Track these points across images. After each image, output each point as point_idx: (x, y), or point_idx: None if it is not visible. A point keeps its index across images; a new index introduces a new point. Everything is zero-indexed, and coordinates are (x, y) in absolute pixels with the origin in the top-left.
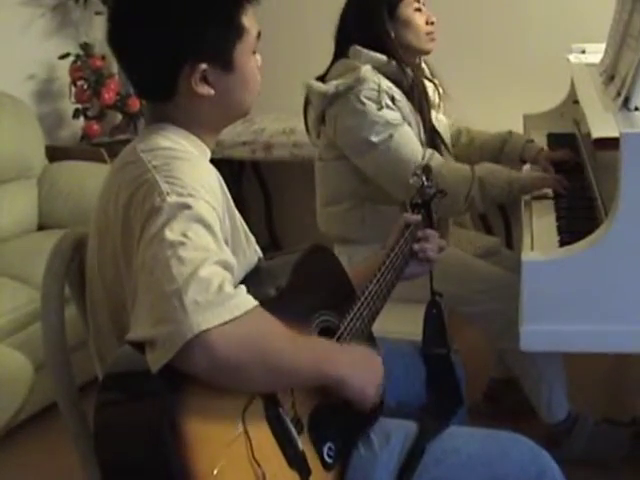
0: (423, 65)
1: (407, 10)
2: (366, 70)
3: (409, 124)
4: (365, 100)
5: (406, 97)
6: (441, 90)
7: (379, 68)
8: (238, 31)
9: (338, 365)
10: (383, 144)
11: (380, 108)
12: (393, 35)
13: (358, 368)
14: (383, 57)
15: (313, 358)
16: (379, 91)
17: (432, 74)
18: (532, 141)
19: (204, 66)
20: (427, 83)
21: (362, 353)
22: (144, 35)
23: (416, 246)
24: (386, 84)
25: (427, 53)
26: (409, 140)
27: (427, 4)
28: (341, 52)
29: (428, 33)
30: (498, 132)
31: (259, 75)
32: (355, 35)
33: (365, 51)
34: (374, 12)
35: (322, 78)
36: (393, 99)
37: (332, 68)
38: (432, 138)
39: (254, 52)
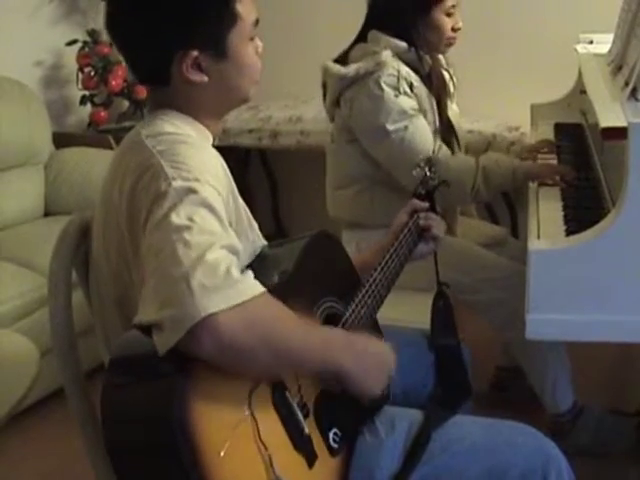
0: (439, 55)
1: (439, 14)
2: (386, 55)
3: (425, 112)
4: (384, 86)
5: (423, 84)
6: (455, 80)
7: (398, 54)
8: (232, 18)
9: (344, 359)
10: (396, 134)
11: (398, 95)
12: (420, 32)
13: (364, 365)
14: (403, 44)
15: (320, 348)
16: (398, 77)
17: (447, 64)
18: (513, 143)
19: (195, 53)
20: (444, 72)
21: (374, 349)
22: (136, 22)
23: (422, 221)
24: (405, 70)
25: (441, 54)
26: (422, 132)
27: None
28: (360, 36)
29: (449, 38)
30: (483, 134)
31: (259, 61)
32: (382, 19)
33: (385, 37)
34: (407, 9)
35: (339, 61)
36: (411, 86)
37: (351, 52)
38: (446, 129)
39: (252, 38)
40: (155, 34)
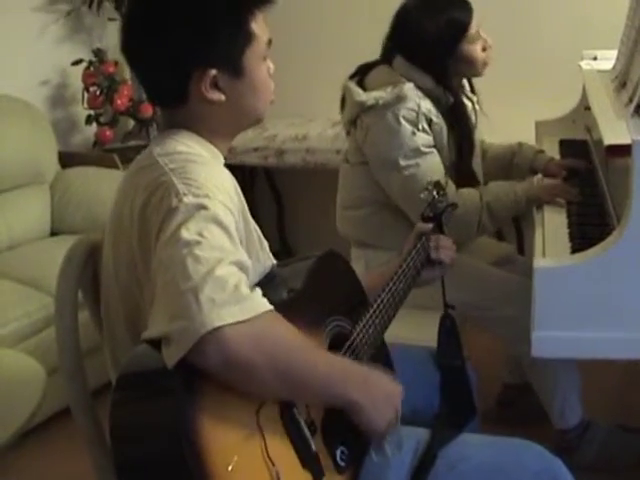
0: (464, 81)
1: (466, 45)
2: (409, 89)
3: (440, 148)
4: (402, 121)
5: (444, 119)
6: (478, 107)
7: (421, 88)
8: (247, 37)
9: (351, 389)
10: (408, 170)
11: (415, 132)
12: (450, 69)
13: (373, 398)
14: (430, 80)
15: (327, 374)
16: (418, 113)
17: (472, 90)
18: (542, 152)
19: (214, 72)
20: (466, 102)
21: (382, 382)
22: (155, 42)
23: (432, 243)
24: (426, 106)
25: (478, 76)
26: (433, 170)
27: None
28: (385, 57)
29: (483, 61)
30: (509, 144)
31: (271, 82)
32: (409, 50)
33: (412, 69)
34: (437, 43)
35: (358, 76)
36: (430, 122)
37: (372, 73)
38: (466, 176)
39: (265, 58)
40: (174, 54)
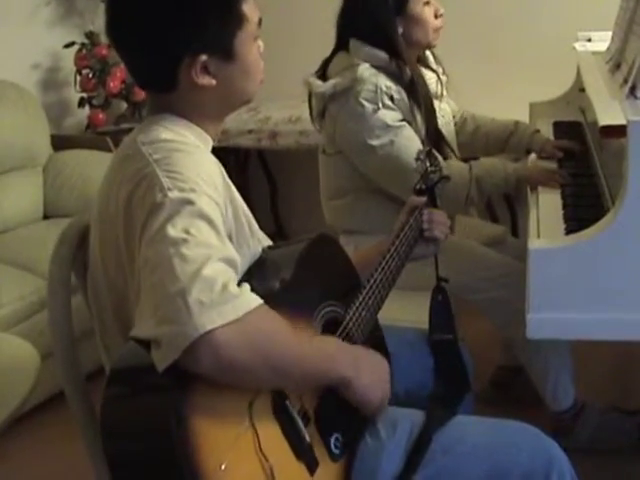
0: (427, 52)
1: (417, 6)
2: (363, 70)
3: (409, 122)
4: (364, 102)
5: (406, 93)
6: (444, 78)
7: (378, 66)
8: (238, 20)
9: (342, 368)
10: (383, 149)
11: (377, 110)
12: (401, 31)
13: (364, 373)
14: (384, 55)
15: (318, 360)
16: (376, 92)
17: (436, 60)
18: (538, 131)
19: (204, 57)
20: (430, 74)
21: (369, 358)
22: (143, 28)
23: (425, 225)
24: (384, 83)
25: (432, 47)
26: (409, 144)
27: None
28: (342, 44)
29: (436, 29)
30: (505, 121)
31: (261, 61)
32: (358, 28)
33: (366, 48)
34: (381, 7)
35: (322, 70)
36: (392, 98)
37: (332, 62)
38: (436, 140)
39: (256, 39)
40: (162, 40)
